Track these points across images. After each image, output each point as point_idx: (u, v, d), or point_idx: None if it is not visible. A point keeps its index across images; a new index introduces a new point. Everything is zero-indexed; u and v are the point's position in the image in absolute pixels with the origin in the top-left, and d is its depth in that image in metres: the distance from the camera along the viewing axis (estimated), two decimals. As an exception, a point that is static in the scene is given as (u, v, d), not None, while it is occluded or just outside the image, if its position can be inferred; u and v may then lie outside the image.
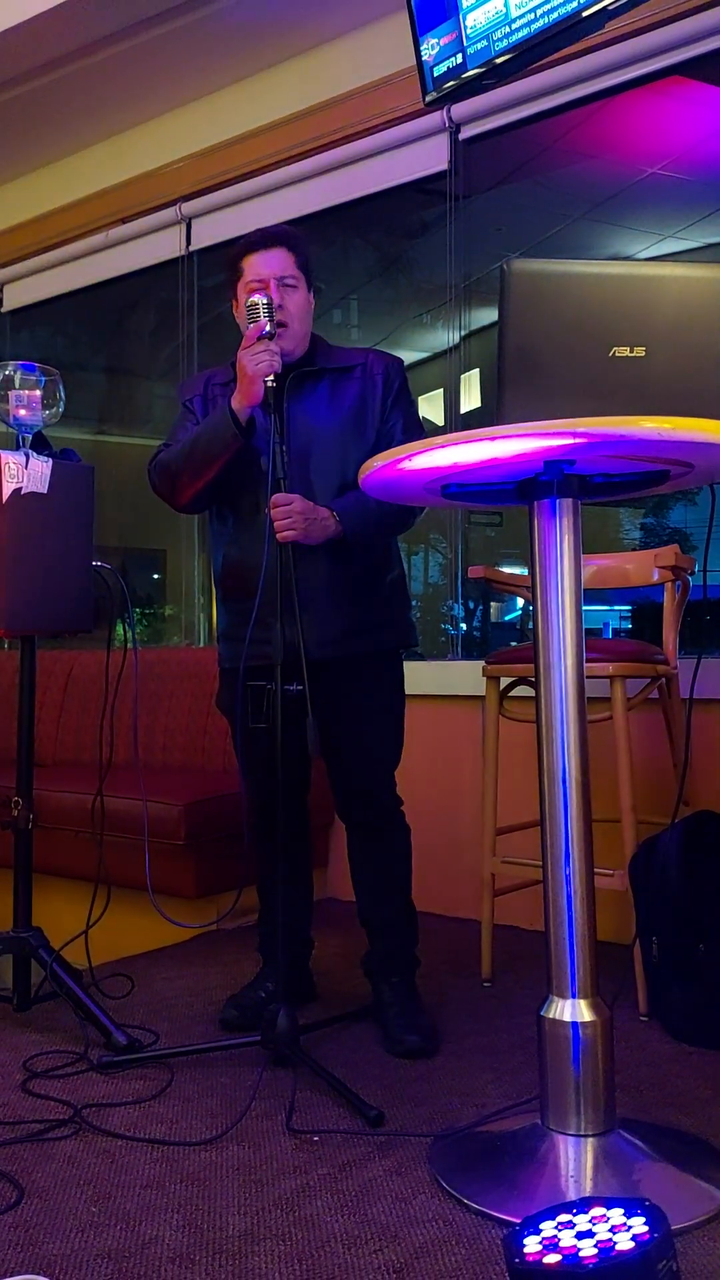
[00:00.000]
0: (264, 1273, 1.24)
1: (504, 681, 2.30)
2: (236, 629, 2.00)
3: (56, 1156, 1.53)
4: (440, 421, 3.23)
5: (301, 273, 1.97)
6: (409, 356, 3.68)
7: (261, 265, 1.95)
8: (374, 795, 2.03)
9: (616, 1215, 1.13)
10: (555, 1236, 1.11)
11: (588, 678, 1.50)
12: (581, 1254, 1.07)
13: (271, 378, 1.83)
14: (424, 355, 3.60)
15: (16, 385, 2.02)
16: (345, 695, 1.97)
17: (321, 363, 2.01)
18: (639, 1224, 1.10)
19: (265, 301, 1.87)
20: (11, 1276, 1.23)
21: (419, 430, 2.03)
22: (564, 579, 1.48)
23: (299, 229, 2.10)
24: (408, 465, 1.41)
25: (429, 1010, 2.04)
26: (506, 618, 4.54)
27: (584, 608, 1.50)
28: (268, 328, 1.85)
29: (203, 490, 1.98)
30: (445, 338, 3.14)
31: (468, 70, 2.19)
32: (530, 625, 3.88)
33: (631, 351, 1.39)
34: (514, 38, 2.08)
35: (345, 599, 1.96)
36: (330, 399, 1.98)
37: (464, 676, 2.85)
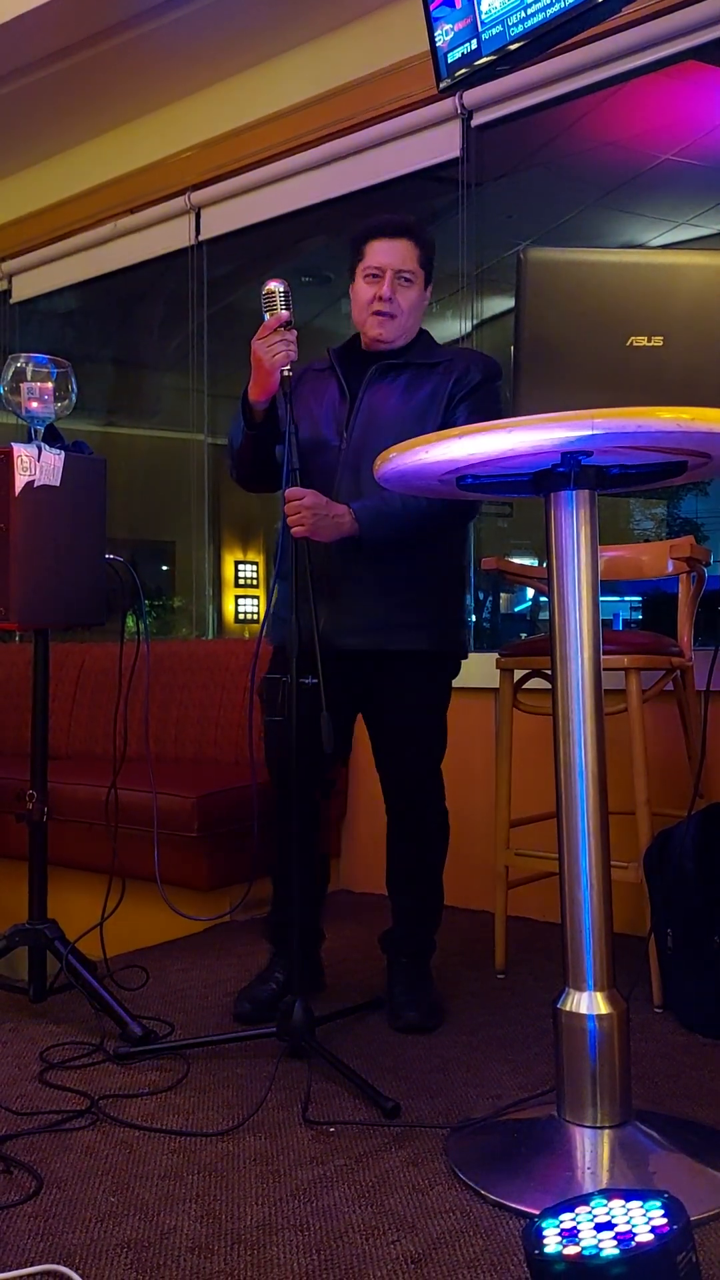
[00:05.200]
0: (282, 1262, 1.25)
1: (517, 674, 2.29)
2: (278, 608, 2.01)
3: (74, 1147, 1.54)
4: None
5: (421, 269, 1.97)
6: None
7: (383, 253, 1.94)
8: (408, 788, 2.04)
9: (635, 1207, 1.12)
10: (574, 1229, 1.11)
11: (603, 670, 1.49)
12: (601, 1246, 1.07)
13: (288, 368, 1.82)
14: (435, 345, 3.58)
15: (28, 377, 2.02)
16: (385, 692, 1.98)
17: (415, 358, 1.99)
18: (658, 1216, 1.10)
19: (283, 290, 1.85)
20: (32, 1266, 1.24)
21: None
22: (580, 571, 1.47)
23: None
24: (424, 456, 1.40)
25: (436, 990, 2.06)
26: (517, 609, 4.53)
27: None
28: (286, 316, 1.83)
29: (249, 474, 2.01)
30: (457, 326, 3.13)
31: (482, 56, 2.17)
32: (542, 616, 3.87)
33: (649, 341, 1.38)
34: (529, 23, 2.06)
35: (378, 590, 1.93)
36: (404, 393, 1.96)
37: (476, 668, 2.82)
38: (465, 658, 2.08)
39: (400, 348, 2.00)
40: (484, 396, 1.96)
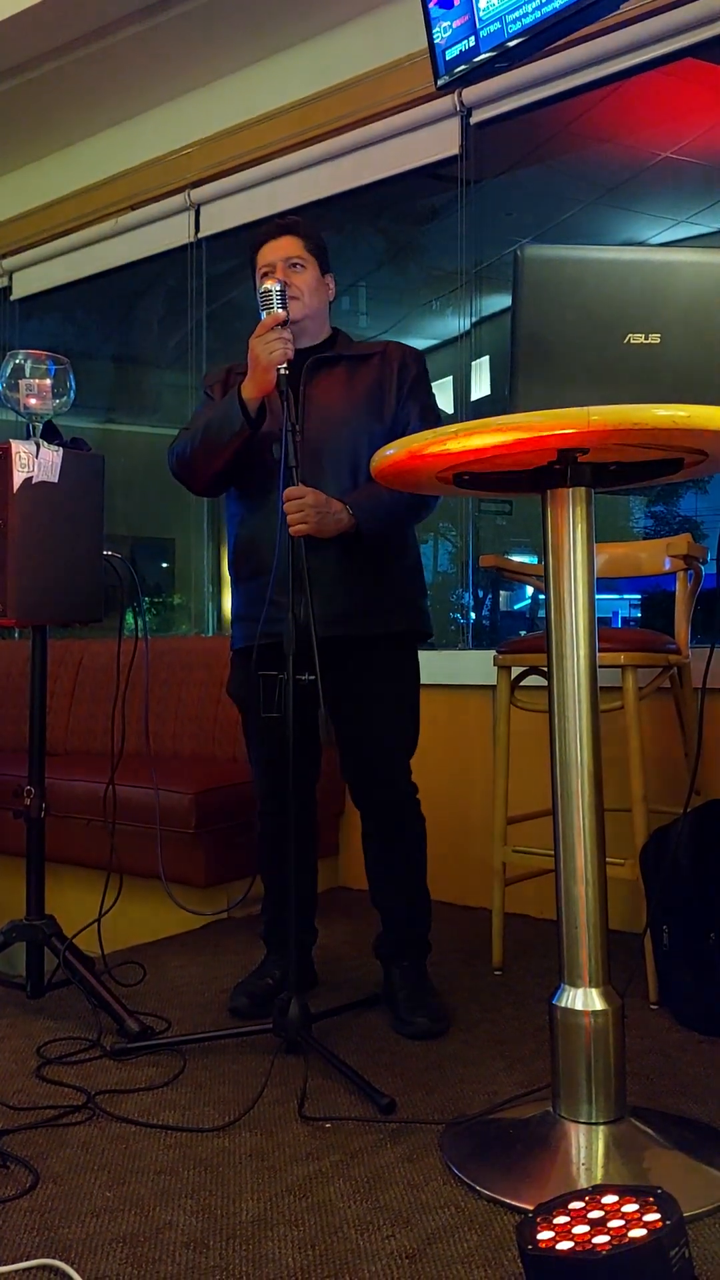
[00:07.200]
0: (277, 1257, 1.25)
1: (515, 671, 2.29)
2: (247, 608, 2.03)
3: (71, 1142, 1.54)
4: (450, 409, 3.22)
5: (311, 255, 2.01)
6: (418, 343, 3.65)
7: (269, 252, 2.01)
8: (385, 783, 2.03)
9: (629, 1203, 1.13)
10: (568, 1224, 1.11)
11: (599, 667, 1.50)
12: (594, 1242, 1.08)
13: (285, 366, 1.82)
14: (434, 342, 3.59)
15: (27, 374, 2.02)
16: (355, 680, 1.97)
17: (345, 351, 2.04)
18: (651, 1212, 1.11)
19: (279, 289, 1.86)
20: (28, 1260, 1.24)
21: (435, 419, 2.02)
22: (577, 569, 1.47)
23: (309, 214, 2.11)
24: (421, 454, 1.40)
25: (439, 993, 2.05)
26: (515, 606, 4.52)
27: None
28: (284, 315, 1.84)
29: (217, 475, 2.00)
30: (455, 324, 3.13)
31: (480, 53, 2.17)
32: (540, 614, 3.87)
33: (646, 338, 1.38)
34: (527, 20, 2.05)
35: (352, 579, 1.95)
36: (347, 385, 2.00)
37: (474, 666, 2.84)
38: (430, 634, 2.08)
39: (324, 342, 2.05)
40: (426, 386, 2.05)
